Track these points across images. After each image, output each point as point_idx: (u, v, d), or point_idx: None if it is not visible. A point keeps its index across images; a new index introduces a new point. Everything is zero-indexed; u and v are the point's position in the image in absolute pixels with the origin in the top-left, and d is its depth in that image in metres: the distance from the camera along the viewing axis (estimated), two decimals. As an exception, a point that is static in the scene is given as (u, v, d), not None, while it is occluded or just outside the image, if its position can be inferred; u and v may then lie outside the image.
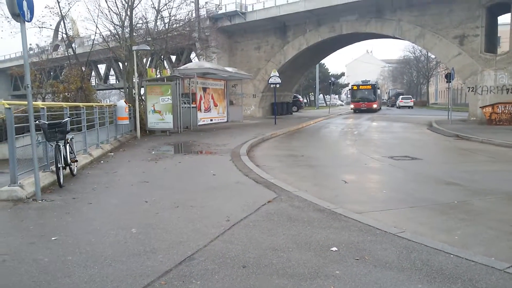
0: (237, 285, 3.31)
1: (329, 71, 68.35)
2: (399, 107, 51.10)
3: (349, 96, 49.37)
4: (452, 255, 3.88)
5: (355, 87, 41.34)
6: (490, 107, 20.82)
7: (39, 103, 8.76)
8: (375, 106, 40.12)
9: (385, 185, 7.79)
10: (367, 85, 40.83)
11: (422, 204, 6.19)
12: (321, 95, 69.62)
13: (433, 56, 51.22)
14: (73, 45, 23.50)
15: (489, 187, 7.34)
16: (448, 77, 21.97)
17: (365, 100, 39.72)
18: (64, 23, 22.09)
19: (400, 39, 27.00)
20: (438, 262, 3.75)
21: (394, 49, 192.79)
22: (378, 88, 42.72)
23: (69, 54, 23.87)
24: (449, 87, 23.41)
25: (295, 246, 4.17)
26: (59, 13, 21.16)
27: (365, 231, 4.60)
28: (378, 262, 3.75)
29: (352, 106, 41.25)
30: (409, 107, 49.97)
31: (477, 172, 8.93)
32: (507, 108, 20.24)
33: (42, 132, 7.12)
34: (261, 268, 3.64)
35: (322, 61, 56.96)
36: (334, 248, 4.09)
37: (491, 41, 23.72)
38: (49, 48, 36.18)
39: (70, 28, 26.13)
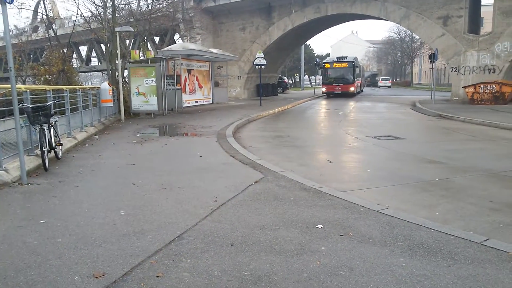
0: (226, 263, 3.40)
1: (314, 52, 68.28)
2: (379, 86, 58.29)
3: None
4: (433, 230, 4.04)
5: (327, 65, 33.23)
6: (472, 87, 21.17)
7: (22, 86, 8.61)
8: (352, 89, 31.86)
9: (369, 164, 7.94)
10: (343, 62, 32.72)
11: (405, 182, 6.35)
12: (307, 76, 69.52)
13: (417, 37, 51.49)
14: (53, 26, 22.93)
15: (470, 164, 7.56)
16: (432, 58, 22.22)
17: (340, 81, 31.87)
18: (44, 3, 21.54)
19: (385, 20, 27.04)
20: (419, 236, 3.90)
21: (379, 30, 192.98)
22: (357, 67, 33.38)
23: (49, 36, 23.31)
24: (433, 67, 23.66)
25: (281, 224, 4.28)
26: (38, -7, 20.57)
27: (350, 209, 4.73)
28: (362, 238, 3.88)
29: (323, 89, 33.20)
30: (387, 86, 57.49)
31: (458, 150, 9.16)
32: (488, 88, 20.61)
33: (25, 115, 7.03)
34: (249, 245, 3.74)
35: (308, 42, 56.93)
36: (320, 226, 4.21)
37: (475, 22, 23.94)
38: (28, 29, 35.25)
39: (50, 9, 25.46)
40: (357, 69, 33.31)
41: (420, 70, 74.79)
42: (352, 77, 32.03)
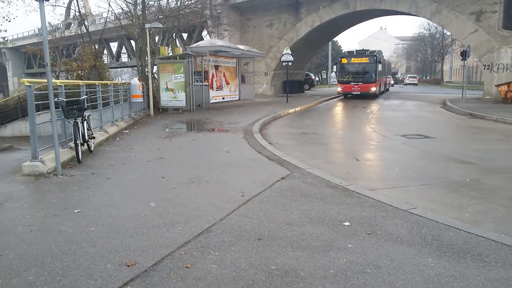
0: (253, 256, 3.46)
1: (342, 48, 67.35)
2: (406, 84, 59.96)
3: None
4: (462, 231, 3.97)
5: (344, 60, 27.22)
6: (505, 85, 20.47)
7: (57, 81, 8.92)
8: (373, 89, 26.17)
9: (397, 163, 7.84)
10: (364, 56, 26.91)
11: (434, 182, 6.25)
12: (334, 73, 68.86)
13: (448, 33, 50.16)
14: (85, 23, 23.54)
15: (501, 165, 7.36)
16: (464, 55, 21.59)
17: (359, 79, 26.32)
18: (77, 1, 22.09)
19: (415, 15, 26.46)
20: (448, 237, 3.85)
21: (409, 26, 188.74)
22: (380, 62, 27.03)
23: (82, 32, 23.96)
24: (464, 65, 23.00)
25: (308, 221, 4.30)
26: (72, -9, 21.17)
27: (377, 207, 4.70)
28: (390, 237, 3.86)
29: (339, 88, 27.60)
30: (414, 84, 58.32)
31: (489, 150, 8.92)
32: (523, 87, 19.89)
33: (60, 109, 7.28)
34: (276, 240, 3.78)
35: (335, 39, 56.12)
36: (347, 223, 4.21)
37: (510, 18, 23.09)
38: (61, 26, 36.27)
39: (83, 6, 26.13)
40: (380, 65, 26.65)
41: (451, 67, 72.81)
42: (374, 74, 26.24)
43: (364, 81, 26.18)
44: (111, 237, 3.88)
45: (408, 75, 67.24)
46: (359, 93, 26.28)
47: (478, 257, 3.44)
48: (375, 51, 28.12)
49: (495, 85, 21.46)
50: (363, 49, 29.26)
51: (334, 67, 29.20)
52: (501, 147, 9.59)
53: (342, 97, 27.92)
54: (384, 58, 33.34)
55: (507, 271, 3.19)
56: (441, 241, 3.76)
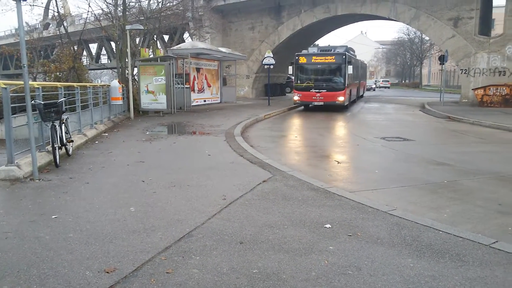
0: (235, 260, 3.44)
1: (323, 52, 67.91)
2: (379, 87, 63.12)
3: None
4: (441, 232, 4.04)
5: (302, 59, 20.91)
6: (482, 89, 21.01)
7: (34, 83, 8.72)
8: (340, 98, 20.03)
9: (377, 165, 7.94)
10: (329, 55, 20.66)
11: (413, 184, 6.35)
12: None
13: (427, 38, 51.10)
14: (64, 23, 23.14)
15: (478, 167, 7.52)
16: (442, 59, 22.10)
17: (322, 85, 20.26)
18: (55, 0, 21.70)
19: (395, 20, 26.90)
20: (427, 238, 3.90)
21: (389, 30, 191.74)
22: (351, 63, 20.68)
23: (60, 33, 23.53)
24: (442, 69, 23.51)
25: (290, 223, 4.31)
26: (50, -9, 20.82)
27: (358, 209, 4.74)
28: (370, 238, 3.90)
29: (295, 97, 21.14)
30: (386, 87, 62.83)
31: (467, 153, 9.11)
32: (498, 91, 20.45)
33: (37, 112, 7.12)
34: (258, 244, 3.77)
35: (317, 42, 56.63)
36: (328, 225, 4.23)
37: (485, 24, 23.73)
38: (39, 26, 35.58)
39: (62, 7, 25.68)
40: (351, 67, 20.43)
41: (430, 71, 74.22)
42: (342, 78, 20.06)
43: (329, 88, 19.96)
44: (90, 243, 3.80)
45: (382, 79, 75.01)
46: (322, 103, 20.07)
47: (456, 257, 3.49)
48: (344, 47, 22.16)
49: (472, 89, 21.99)
50: (329, 45, 24.08)
51: (290, 68, 21.60)
52: (478, 149, 9.81)
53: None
54: (356, 56, 26.82)
55: (484, 270, 3.26)
56: (420, 242, 3.81)
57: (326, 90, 19.89)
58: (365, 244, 3.77)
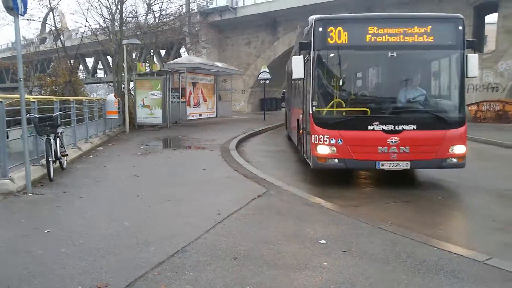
0: (229, 276, 3.41)
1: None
2: None
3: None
4: (435, 248, 4.03)
5: (338, 33, 6.62)
6: (475, 105, 21.22)
7: (30, 96, 8.73)
8: (459, 149, 7.01)
9: (375, 181, 7.94)
10: (419, 22, 6.64)
11: (407, 199, 6.35)
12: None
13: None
14: (61, 38, 23.25)
15: (473, 183, 7.55)
16: (435, 75, 22.26)
17: (399, 116, 6.85)
18: (53, 15, 21.84)
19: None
20: (422, 254, 3.89)
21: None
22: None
23: (57, 47, 23.61)
24: (436, 85, 23.67)
25: (284, 239, 4.29)
26: (48, 5, 21.00)
27: (352, 225, 4.73)
28: (365, 254, 3.88)
29: (315, 146, 6.95)
30: None
31: (464, 169, 9.13)
32: (491, 106, 20.65)
33: (32, 125, 7.11)
34: (252, 259, 3.75)
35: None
36: (323, 241, 4.22)
37: (478, 40, 24.06)
38: (36, 40, 35.70)
39: (59, 21, 25.83)
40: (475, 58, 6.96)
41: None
42: (457, 91, 7.33)
43: (422, 122, 6.86)
44: (83, 258, 3.76)
45: None
46: (405, 164, 6.80)
47: (450, 274, 3.49)
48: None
49: (466, 105, 22.17)
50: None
51: (291, 63, 7.59)
52: (473, 165, 9.83)
53: None
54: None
55: (478, 287, 3.25)
56: (415, 258, 3.80)
57: (415, 127, 6.81)
58: (359, 260, 3.76)
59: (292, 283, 3.29)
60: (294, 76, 7.38)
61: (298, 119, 9.48)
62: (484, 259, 3.76)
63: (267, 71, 22.93)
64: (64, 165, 8.03)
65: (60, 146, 7.83)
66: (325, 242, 4.20)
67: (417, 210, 5.83)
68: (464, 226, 5.10)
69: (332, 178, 8.04)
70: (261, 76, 22.93)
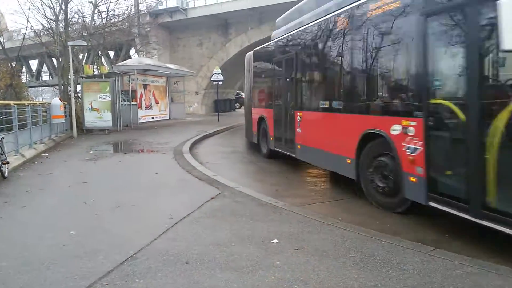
0: (181, 281, 3.35)
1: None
2: None
3: None
4: (383, 242, 4.17)
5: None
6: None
7: (-36, 101, 8.19)
8: None
9: (326, 178, 8.12)
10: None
11: (360, 195, 6.53)
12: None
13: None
14: (1, 39, 22.00)
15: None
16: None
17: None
18: (-10, 15, 20.62)
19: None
20: (370, 248, 4.01)
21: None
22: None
23: (-4, 49, 22.31)
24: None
25: (238, 241, 4.28)
26: (-16, 5, 19.79)
27: (304, 223, 4.81)
28: (316, 251, 3.95)
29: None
30: None
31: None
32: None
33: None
34: (205, 263, 3.71)
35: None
36: (275, 240, 4.25)
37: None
38: (-28, 42, 33.54)
39: (-3, 21, 24.42)
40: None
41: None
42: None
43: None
44: (26, 271, 3.56)
45: None
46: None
47: (397, 266, 3.61)
48: None
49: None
50: None
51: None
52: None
53: None
54: None
55: (423, 278, 3.39)
56: (364, 253, 3.91)
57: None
58: (311, 257, 3.82)
59: (245, 284, 3.29)
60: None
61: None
62: (429, 250, 3.93)
63: (220, 72, 22.87)
64: (6, 174, 7.59)
65: (1, 154, 7.42)
66: (277, 241, 4.23)
67: (367, 206, 6.00)
68: (412, 220, 5.30)
69: (286, 178, 8.14)
70: (214, 78, 22.84)
